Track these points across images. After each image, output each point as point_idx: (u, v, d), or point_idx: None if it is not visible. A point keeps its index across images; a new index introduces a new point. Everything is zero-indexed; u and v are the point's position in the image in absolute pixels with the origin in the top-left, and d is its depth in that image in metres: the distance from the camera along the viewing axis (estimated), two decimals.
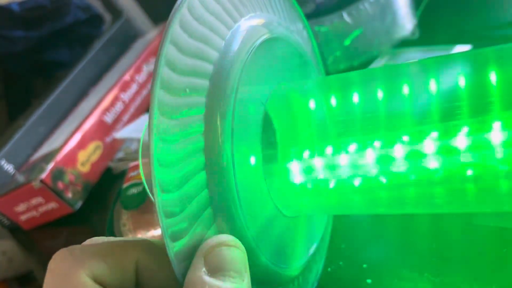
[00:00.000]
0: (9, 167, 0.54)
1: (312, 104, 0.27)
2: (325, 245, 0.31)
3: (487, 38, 0.43)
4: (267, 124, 0.27)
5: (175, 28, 0.19)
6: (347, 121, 0.26)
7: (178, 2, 0.20)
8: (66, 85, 0.66)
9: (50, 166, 0.50)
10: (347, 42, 0.41)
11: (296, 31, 0.29)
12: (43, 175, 0.48)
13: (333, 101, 0.26)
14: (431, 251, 0.29)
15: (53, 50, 0.94)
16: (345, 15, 0.41)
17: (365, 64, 0.43)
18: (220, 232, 0.20)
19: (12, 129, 0.60)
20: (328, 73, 0.43)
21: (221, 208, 0.21)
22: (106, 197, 0.53)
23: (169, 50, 0.19)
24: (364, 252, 0.31)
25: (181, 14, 0.20)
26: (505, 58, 0.22)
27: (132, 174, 0.37)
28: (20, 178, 0.52)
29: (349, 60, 0.43)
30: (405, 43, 0.45)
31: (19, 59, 0.93)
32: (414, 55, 0.41)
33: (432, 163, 0.23)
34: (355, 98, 0.25)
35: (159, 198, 0.18)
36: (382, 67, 0.25)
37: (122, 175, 0.54)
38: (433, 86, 0.23)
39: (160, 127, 0.18)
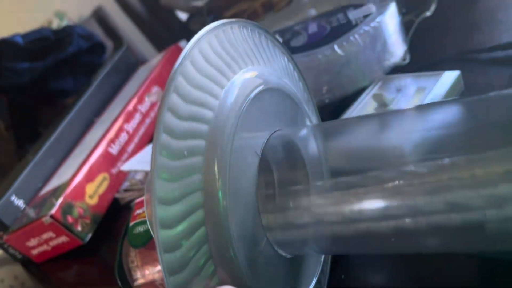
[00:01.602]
0: (19, 202, 0.56)
1: (308, 145, 0.28)
2: (325, 278, 0.32)
3: (474, 61, 0.44)
4: (264, 166, 0.28)
5: (171, 95, 0.21)
6: (342, 161, 0.27)
7: (173, 70, 0.21)
8: (72, 117, 0.68)
9: (60, 201, 0.51)
10: (340, 71, 0.43)
11: (287, 75, 0.31)
12: (53, 211, 0.50)
13: (328, 144, 0.27)
14: (433, 281, 0.30)
15: (57, 79, 0.97)
16: (336, 47, 0.42)
17: (359, 91, 0.45)
18: (220, 278, 0.22)
19: (21, 164, 0.62)
20: (323, 102, 0.45)
21: (216, 245, 0.22)
22: (114, 228, 0.54)
23: (166, 116, 0.21)
24: (364, 282, 0.32)
25: (176, 82, 0.21)
26: None
27: (138, 211, 0.38)
28: (31, 212, 0.54)
29: (343, 89, 0.44)
30: (396, 69, 0.47)
31: (25, 90, 0.96)
32: (405, 81, 0.43)
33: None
34: (347, 142, 0.26)
35: (159, 236, 0.19)
36: (371, 115, 0.26)
37: (129, 205, 0.56)
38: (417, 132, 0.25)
39: (161, 167, 0.20)
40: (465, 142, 0.24)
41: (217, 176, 0.23)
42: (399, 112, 0.26)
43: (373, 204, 0.25)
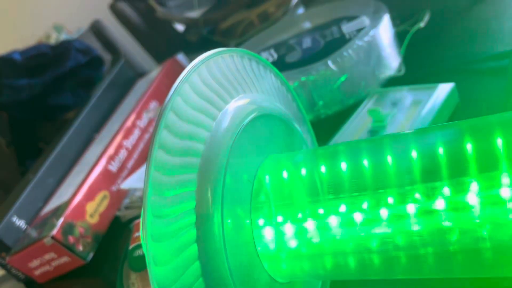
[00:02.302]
0: (21, 223, 0.56)
1: (303, 171, 0.28)
2: None
3: (468, 71, 0.44)
4: (258, 191, 0.28)
5: (162, 132, 0.21)
6: (336, 185, 0.27)
7: (163, 106, 0.22)
8: (71, 134, 0.69)
9: (60, 221, 0.51)
10: (335, 86, 0.43)
11: (280, 97, 0.31)
12: (54, 232, 0.50)
13: (323, 169, 0.27)
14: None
15: (56, 94, 0.97)
16: (330, 63, 0.42)
17: (355, 105, 0.45)
18: None
19: (21, 184, 0.62)
20: (319, 117, 0.45)
21: (212, 278, 0.23)
22: (116, 246, 0.54)
23: (159, 153, 0.21)
24: None
25: (166, 118, 0.21)
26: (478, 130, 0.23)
27: (137, 234, 0.38)
28: (32, 233, 0.54)
29: (339, 103, 0.44)
30: (392, 81, 0.47)
31: (25, 106, 0.96)
32: (400, 94, 0.43)
33: (415, 226, 0.25)
34: (343, 166, 0.27)
35: (152, 272, 0.20)
36: (367, 140, 0.26)
37: (130, 223, 0.56)
38: (414, 154, 0.25)
39: (154, 204, 0.20)
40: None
41: (210, 208, 0.24)
42: (392, 135, 0.26)
43: (367, 230, 0.26)
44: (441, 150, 0.24)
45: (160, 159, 0.21)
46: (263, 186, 0.28)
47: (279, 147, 0.29)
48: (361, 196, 0.26)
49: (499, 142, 0.23)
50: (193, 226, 0.23)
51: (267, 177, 0.28)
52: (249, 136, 0.26)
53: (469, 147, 0.24)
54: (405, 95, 0.43)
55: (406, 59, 0.48)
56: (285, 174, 0.28)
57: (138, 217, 0.55)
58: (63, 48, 0.97)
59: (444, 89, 0.41)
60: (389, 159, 0.25)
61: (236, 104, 0.26)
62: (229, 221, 0.25)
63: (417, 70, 0.48)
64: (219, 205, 0.24)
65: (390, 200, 0.26)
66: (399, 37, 0.50)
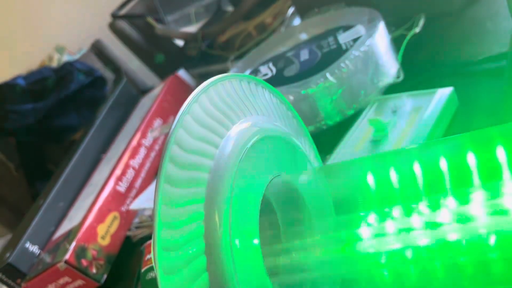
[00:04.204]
0: (34, 248, 0.57)
1: (309, 189, 0.29)
2: None
3: (466, 74, 0.45)
4: (266, 208, 0.29)
5: (167, 165, 0.22)
6: (342, 201, 0.28)
7: (167, 138, 0.22)
8: (79, 156, 0.69)
9: (73, 245, 0.52)
10: (335, 98, 0.44)
11: (280, 116, 0.31)
12: (67, 256, 0.51)
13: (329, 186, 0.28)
14: None
15: (62, 116, 0.98)
16: (328, 75, 0.43)
17: (356, 114, 0.45)
18: None
19: (32, 209, 0.63)
20: (321, 128, 0.45)
21: None
22: (129, 267, 0.55)
23: (169, 167, 0.21)
24: None
25: (171, 150, 0.22)
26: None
27: (148, 256, 0.39)
28: (46, 257, 0.55)
29: (340, 114, 0.45)
30: (391, 87, 0.47)
31: (31, 130, 0.98)
32: (400, 101, 0.43)
33: (423, 240, 0.25)
34: (348, 183, 0.27)
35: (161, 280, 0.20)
36: (371, 157, 0.27)
37: (141, 242, 0.56)
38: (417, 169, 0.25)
39: (163, 238, 0.21)
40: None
41: (218, 225, 0.24)
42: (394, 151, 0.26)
43: (374, 243, 0.26)
44: (443, 163, 0.24)
45: (167, 193, 0.21)
46: (270, 206, 0.29)
47: (283, 166, 0.30)
48: (369, 212, 0.27)
49: (501, 152, 0.24)
50: (203, 254, 0.23)
51: (273, 197, 0.29)
52: (252, 159, 0.27)
53: (471, 158, 0.24)
54: (405, 101, 0.43)
55: (404, 63, 0.48)
56: (292, 194, 0.28)
57: (149, 236, 0.56)
58: (66, 71, 0.98)
59: (443, 94, 0.41)
60: (393, 174, 0.25)
61: (237, 129, 0.26)
62: (238, 243, 0.25)
63: (415, 74, 0.48)
64: (227, 233, 0.24)
65: (396, 213, 0.26)
66: (396, 42, 0.50)
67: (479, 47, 0.46)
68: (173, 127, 0.22)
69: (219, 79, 0.26)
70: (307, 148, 0.35)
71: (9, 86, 0.95)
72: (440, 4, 0.53)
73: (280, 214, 0.29)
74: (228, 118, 0.26)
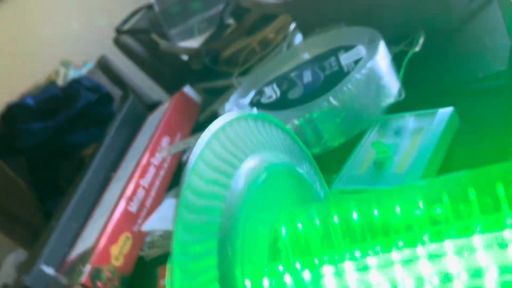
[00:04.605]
0: (50, 270, 0.59)
1: (317, 222, 0.30)
2: None
3: (466, 92, 0.46)
4: (275, 242, 0.30)
5: (186, 193, 0.23)
6: (348, 233, 0.29)
7: (180, 186, 0.23)
8: (89, 177, 0.71)
9: (88, 267, 0.54)
10: (338, 120, 0.45)
11: (285, 146, 0.33)
12: (83, 279, 0.52)
13: (335, 219, 0.29)
14: None
15: (71, 134, 1.00)
16: (331, 99, 0.44)
17: (360, 134, 0.46)
18: None
19: (46, 231, 0.65)
20: (326, 149, 0.46)
21: None
22: (143, 286, 0.57)
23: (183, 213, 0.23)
24: None
25: (183, 197, 0.23)
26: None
27: (162, 281, 0.40)
28: (62, 280, 0.57)
29: (344, 135, 0.46)
30: (393, 106, 0.48)
31: (42, 148, 1.00)
32: (402, 121, 0.44)
33: (426, 268, 0.26)
34: (354, 215, 0.28)
35: None
36: (373, 192, 0.28)
37: (154, 262, 0.58)
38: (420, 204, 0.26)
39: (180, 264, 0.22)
40: None
41: (231, 265, 0.25)
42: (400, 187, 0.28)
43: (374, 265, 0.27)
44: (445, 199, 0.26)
45: (180, 239, 0.23)
46: (279, 237, 0.30)
47: (291, 198, 0.31)
48: (373, 241, 0.28)
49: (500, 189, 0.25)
50: (217, 282, 0.25)
51: (283, 228, 0.30)
52: (262, 193, 0.28)
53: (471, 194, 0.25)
54: (407, 122, 0.44)
55: (405, 82, 0.50)
56: (300, 225, 0.30)
57: (162, 256, 0.57)
58: (73, 89, 1.00)
59: (444, 114, 0.42)
60: (397, 208, 0.27)
61: (247, 166, 0.28)
62: (250, 272, 0.27)
63: (415, 92, 0.49)
64: (239, 263, 0.26)
65: (400, 243, 0.28)
66: (396, 57, 0.51)
67: (479, 64, 0.47)
68: (193, 158, 0.24)
69: (231, 121, 0.28)
70: (313, 175, 0.36)
71: (19, 106, 0.97)
72: (438, 20, 0.54)
73: (289, 246, 0.30)
74: (237, 156, 0.27)
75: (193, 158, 0.24)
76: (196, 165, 0.24)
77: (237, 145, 0.28)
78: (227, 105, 0.55)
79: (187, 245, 0.23)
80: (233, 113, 0.29)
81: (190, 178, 0.24)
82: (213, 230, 0.25)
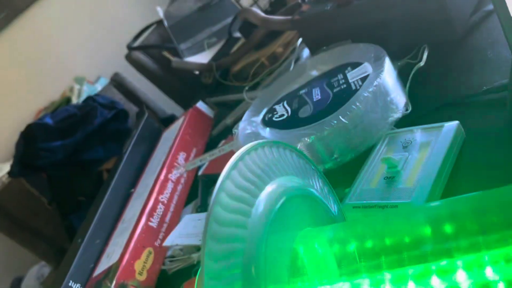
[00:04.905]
0: (77, 287, 0.61)
1: (334, 244, 0.32)
2: None
3: (472, 104, 0.47)
4: (296, 260, 0.32)
5: (211, 224, 0.26)
6: (361, 254, 0.31)
7: (208, 214, 0.26)
8: (110, 194, 0.74)
9: (114, 283, 0.56)
10: (348, 136, 0.47)
11: (302, 172, 0.35)
12: None
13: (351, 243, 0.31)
14: None
15: (88, 150, 1.04)
16: (341, 117, 0.46)
17: (369, 149, 0.48)
18: None
19: (72, 249, 0.68)
20: (336, 165, 0.48)
21: None
22: None
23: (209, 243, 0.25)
24: None
25: (216, 209, 0.26)
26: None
27: None
28: None
29: (354, 151, 0.48)
30: (400, 120, 0.50)
31: (61, 165, 1.03)
32: (410, 136, 0.46)
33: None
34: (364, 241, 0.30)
35: None
36: (384, 218, 0.30)
37: (176, 274, 0.60)
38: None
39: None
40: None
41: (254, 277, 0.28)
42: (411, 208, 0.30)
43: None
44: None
45: (209, 267, 0.25)
46: (298, 256, 0.32)
47: (307, 218, 0.33)
48: (381, 264, 0.30)
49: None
50: None
51: (301, 248, 0.32)
52: (281, 217, 0.30)
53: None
54: (414, 136, 0.46)
55: (411, 95, 0.51)
56: (316, 245, 0.32)
57: (184, 269, 0.59)
58: (89, 107, 1.03)
59: (449, 128, 0.44)
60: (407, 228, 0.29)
61: (266, 192, 0.30)
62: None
63: (422, 105, 0.51)
64: (263, 283, 0.28)
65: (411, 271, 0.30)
66: (401, 72, 0.53)
67: (481, 76, 0.49)
68: (216, 190, 0.26)
69: (248, 151, 0.30)
70: (326, 192, 0.38)
71: (39, 125, 1.01)
72: (441, 33, 0.56)
73: (307, 262, 0.32)
74: (256, 185, 0.30)
75: (216, 189, 0.27)
76: (219, 196, 0.27)
77: (256, 174, 0.30)
78: (241, 124, 0.57)
79: (215, 273, 0.25)
80: (250, 144, 0.31)
81: (214, 209, 0.26)
82: (238, 256, 0.27)
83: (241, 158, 0.29)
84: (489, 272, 0.27)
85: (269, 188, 0.31)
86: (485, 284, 0.27)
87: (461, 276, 0.27)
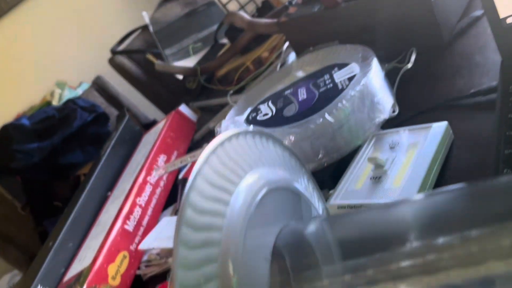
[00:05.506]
0: None
1: (317, 238, 0.30)
2: None
3: (460, 107, 0.46)
4: (276, 255, 0.30)
5: (186, 210, 0.23)
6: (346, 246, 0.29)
7: (181, 203, 0.24)
8: (85, 196, 0.71)
9: (84, 287, 0.53)
10: (333, 136, 0.45)
11: (283, 161, 0.33)
12: None
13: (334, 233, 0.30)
14: None
15: (67, 154, 1.00)
16: (326, 115, 0.45)
17: (355, 150, 0.47)
18: None
19: (42, 252, 0.64)
20: (321, 165, 0.47)
21: None
22: None
23: (181, 249, 0.23)
24: None
25: (187, 211, 0.24)
26: None
27: None
28: None
29: (339, 151, 0.47)
30: (387, 122, 0.49)
31: (37, 168, 0.99)
32: (397, 136, 0.45)
33: None
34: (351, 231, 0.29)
35: None
36: (373, 211, 0.29)
37: (151, 280, 0.58)
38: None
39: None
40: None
41: (232, 275, 0.26)
42: (400, 202, 0.28)
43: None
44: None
45: (182, 256, 0.23)
46: (280, 253, 0.30)
47: (289, 213, 0.31)
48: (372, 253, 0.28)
49: None
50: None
51: (283, 244, 0.30)
52: (261, 212, 0.28)
53: None
54: (401, 137, 0.45)
55: (398, 97, 0.50)
56: (299, 242, 0.30)
57: (158, 275, 0.57)
58: (69, 109, 1.00)
59: (438, 129, 0.43)
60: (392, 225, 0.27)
61: (246, 183, 0.28)
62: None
63: (410, 107, 0.50)
64: (240, 273, 0.26)
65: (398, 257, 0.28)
66: (389, 75, 0.52)
67: (469, 79, 0.48)
68: (186, 189, 0.24)
69: (230, 137, 0.28)
70: (311, 189, 0.37)
71: (15, 126, 0.97)
72: (429, 37, 0.55)
73: (289, 260, 0.30)
74: (236, 173, 0.28)
75: (192, 174, 0.25)
76: (196, 182, 0.25)
77: (236, 162, 0.28)
78: (224, 122, 0.56)
79: (188, 261, 0.23)
80: (232, 130, 0.29)
81: (190, 195, 0.24)
82: (214, 246, 0.25)
83: (221, 144, 0.28)
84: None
85: (250, 178, 0.29)
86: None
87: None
